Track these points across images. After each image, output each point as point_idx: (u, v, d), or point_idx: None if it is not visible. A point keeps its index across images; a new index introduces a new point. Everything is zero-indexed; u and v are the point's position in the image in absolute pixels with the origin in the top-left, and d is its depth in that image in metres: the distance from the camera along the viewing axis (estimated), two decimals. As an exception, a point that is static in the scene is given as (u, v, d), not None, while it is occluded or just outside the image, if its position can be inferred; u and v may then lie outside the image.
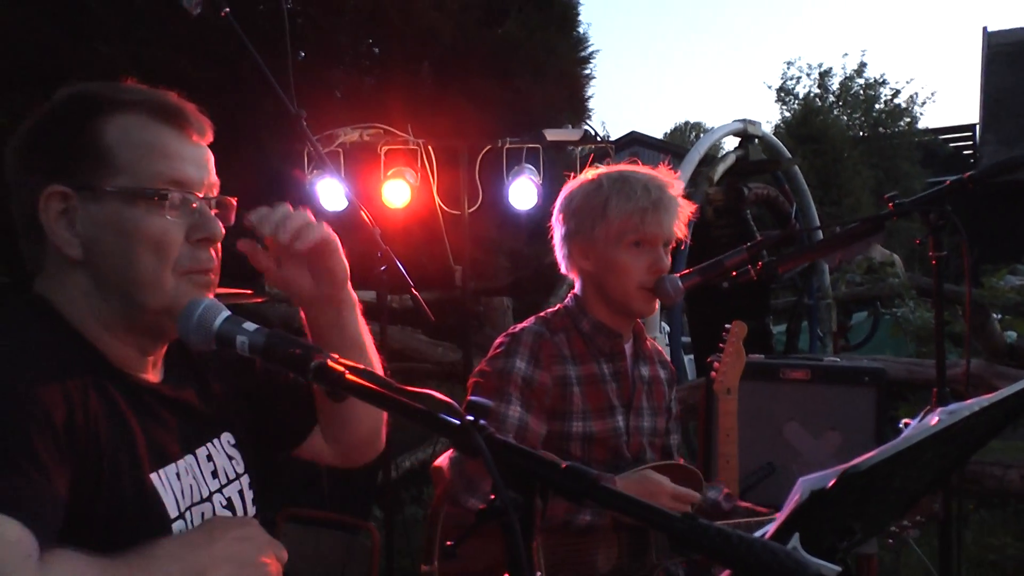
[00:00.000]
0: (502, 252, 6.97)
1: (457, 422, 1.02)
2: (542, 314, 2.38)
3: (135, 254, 1.28)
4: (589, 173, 2.36)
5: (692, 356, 8.20)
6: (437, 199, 4.50)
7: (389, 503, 4.20)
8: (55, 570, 1.06)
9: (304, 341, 1.21)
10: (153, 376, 1.38)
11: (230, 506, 1.42)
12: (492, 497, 0.93)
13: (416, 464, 6.19)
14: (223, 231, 1.36)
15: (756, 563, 0.80)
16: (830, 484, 1.03)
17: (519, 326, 2.33)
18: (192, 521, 1.32)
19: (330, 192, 4.22)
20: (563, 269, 2.42)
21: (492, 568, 1.84)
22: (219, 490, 1.41)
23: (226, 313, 1.25)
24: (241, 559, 1.25)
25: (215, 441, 1.44)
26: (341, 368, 1.16)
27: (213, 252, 1.36)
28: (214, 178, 1.38)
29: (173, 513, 1.28)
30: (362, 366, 1.18)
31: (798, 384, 3.69)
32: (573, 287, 2.43)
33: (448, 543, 1.01)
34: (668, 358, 2.68)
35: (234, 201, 1.42)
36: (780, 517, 1.09)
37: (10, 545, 1.03)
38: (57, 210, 1.28)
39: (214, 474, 1.41)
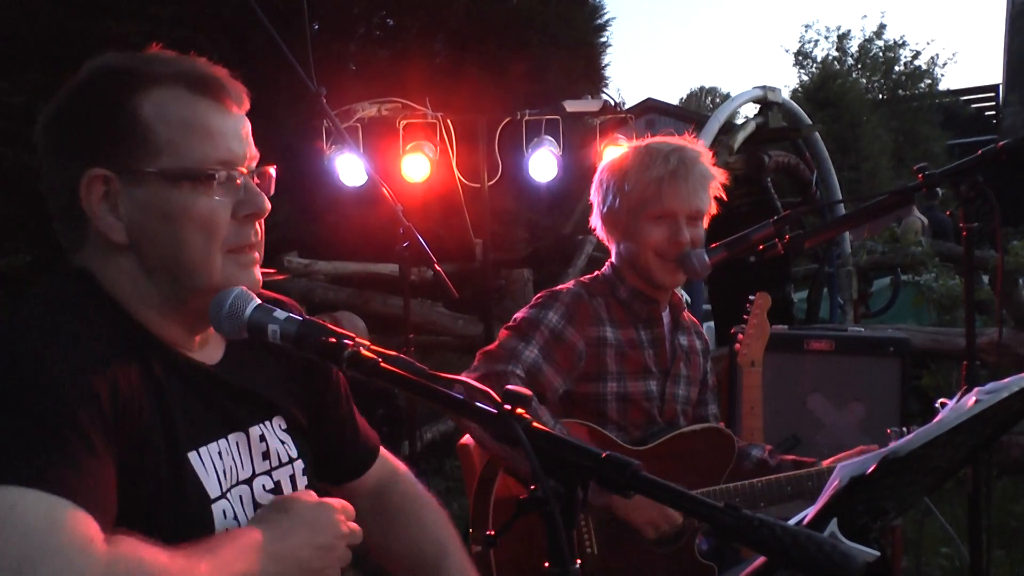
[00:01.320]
0: (520, 224, 6.95)
1: (495, 411, 1.02)
2: (583, 278, 2.40)
3: (183, 237, 1.24)
4: (624, 146, 2.38)
5: (711, 323, 8.18)
6: (456, 172, 4.48)
7: (415, 475, 4.22)
8: (122, 553, 1.04)
9: (337, 330, 1.19)
10: (203, 354, 1.35)
11: (276, 490, 1.39)
12: (533, 487, 0.92)
13: (438, 436, 6.23)
14: (269, 205, 1.32)
15: (802, 555, 0.80)
16: (870, 470, 1.02)
17: (560, 286, 2.35)
18: (234, 502, 1.30)
19: (349, 167, 4.21)
20: (603, 240, 2.45)
21: (533, 550, 1.85)
22: (267, 472, 1.38)
23: (256, 302, 1.24)
24: (317, 543, 1.26)
25: (267, 423, 1.41)
26: (375, 356, 1.15)
27: (257, 226, 1.33)
28: (254, 149, 1.33)
29: (214, 493, 1.26)
30: (394, 353, 1.17)
31: (822, 355, 3.68)
32: (594, 261, 2.44)
33: (490, 532, 1.00)
34: (702, 328, 2.70)
35: (273, 170, 1.37)
36: (819, 503, 1.09)
37: (72, 531, 1.01)
38: (99, 194, 1.23)
39: (265, 455, 1.39)
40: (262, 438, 1.38)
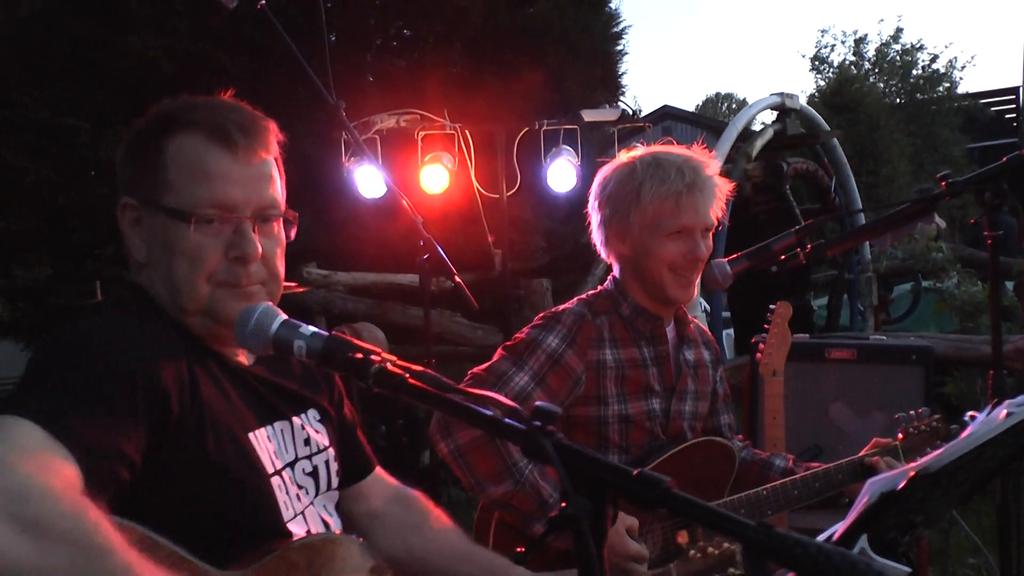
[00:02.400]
0: (539, 233, 6.95)
1: (523, 427, 1.01)
2: (584, 296, 2.35)
3: (173, 264, 1.39)
4: (623, 156, 2.31)
5: (730, 331, 8.15)
6: (475, 183, 4.49)
7: (434, 485, 4.23)
8: (90, 515, 1.04)
9: (363, 345, 1.20)
10: (244, 358, 1.49)
11: (314, 473, 1.52)
12: (564, 504, 0.92)
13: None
14: (259, 251, 1.41)
15: (836, 575, 0.79)
16: (900, 486, 1.01)
17: (562, 306, 2.30)
18: (284, 480, 1.42)
19: (368, 179, 4.23)
20: (602, 255, 2.38)
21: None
22: (308, 457, 1.51)
23: (282, 317, 1.26)
24: None
25: (305, 414, 1.56)
26: (402, 372, 1.15)
27: (256, 267, 1.43)
28: (268, 196, 1.44)
29: (270, 469, 1.39)
30: (421, 368, 1.17)
31: (844, 364, 3.65)
32: (611, 269, 2.40)
33: (520, 549, 1.00)
34: (712, 336, 2.66)
35: (292, 216, 1.50)
36: (849, 518, 1.08)
37: (60, 477, 1.06)
38: (131, 219, 1.43)
39: (306, 442, 1.53)
40: (303, 427, 1.53)
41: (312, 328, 1.25)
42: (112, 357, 1.24)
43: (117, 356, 1.24)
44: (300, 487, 1.47)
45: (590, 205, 2.36)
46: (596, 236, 2.36)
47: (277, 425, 1.47)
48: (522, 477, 2.03)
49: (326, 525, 1.51)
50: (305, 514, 1.46)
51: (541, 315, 2.29)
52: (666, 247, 2.21)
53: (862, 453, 2.35)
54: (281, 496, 1.40)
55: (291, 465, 1.47)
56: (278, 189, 1.47)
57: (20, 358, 7.34)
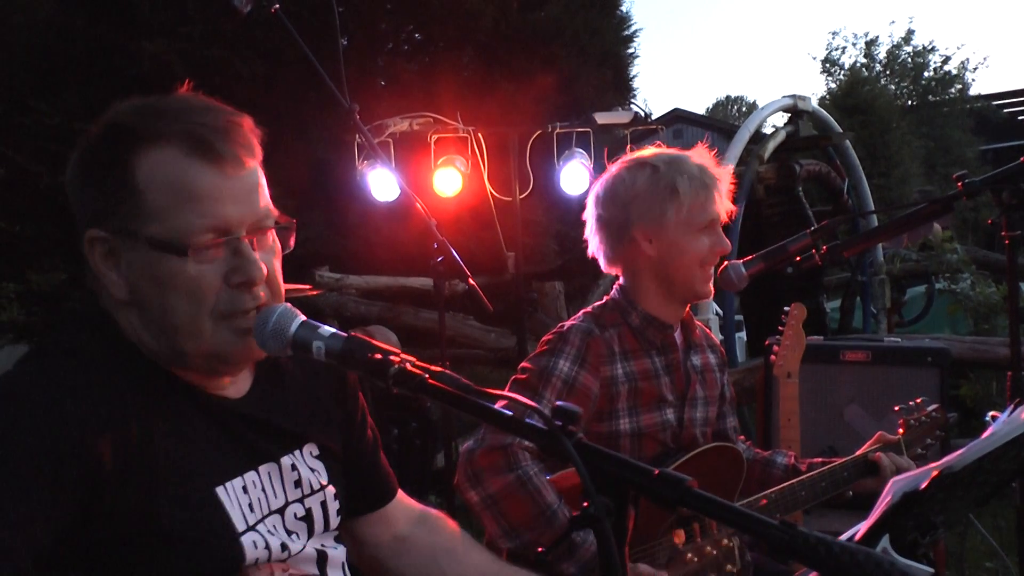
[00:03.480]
0: (551, 236, 6.96)
1: (544, 427, 1.01)
2: (590, 309, 2.31)
3: (171, 303, 1.23)
4: (631, 159, 2.28)
5: (742, 334, 8.12)
6: (488, 186, 4.50)
7: (448, 487, 4.22)
8: None
9: (382, 346, 1.19)
10: (232, 390, 1.36)
11: (307, 517, 1.40)
12: (585, 504, 0.92)
13: (470, 449, 6.22)
14: (264, 272, 1.27)
15: (860, 574, 0.79)
16: (923, 486, 1.01)
17: (567, 323, 2.27)
18: (266, 533, 1.30)
19: (382, 182, 4.24)
20: (603, 263, 2.33)
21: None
22: (299, 500, 1.39)
23: (301, 319, 1.24)
24: None
25: (298, 452, 1.42)
26: (421, 372, 1.15)
27: (259, 290, 1.28)
28: (261, 206, 1.28)
29: (241, 526, 1.26)
30: (439, 369, 1.17)
31: (859, 366, 3.64)
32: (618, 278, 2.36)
33: (540, 549, 1.00)
34: (716, 340, 2.64)
35: (291, 222, 1.34)
36: (871, 518, 1.07)
37: None
38: (102, 252, 1.25)
39: (297, 483, 1.39)
40: (293, 467, 1.39)
41: (331, 329, 1.23)
42: (25, 434, 1.10)
43: (32, 432, 1.11)
44: (290, 532, 1.36)
45: (596, 214, 2.30)
46: (602, 245, 2.30)
47: (263, 469, 1.33)
48: (555, 520, 1.97)
49: (323, 559, 1.40)
50: (289, 562, 1.34)
51: (548, 336, 2.26)
52: (700, 241, 2.20)
53: (864, 448, 2.34)
54: (253, 553, 1.26)
55: (280, 511, 1.35)
56: (267, 194, 1.30)
57: (35, 362, 7.38)
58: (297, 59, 2.95)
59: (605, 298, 2.35)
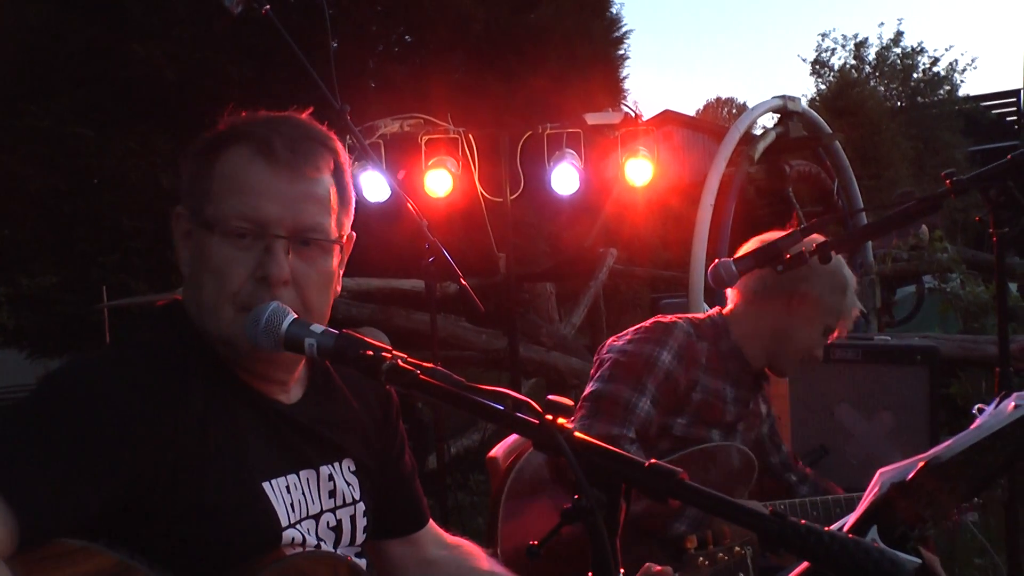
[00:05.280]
0: (542, 237, 6.96)
1: (536, 421, 1.02)
2: (691, 317, 2.42)
3: (203, 279, 1.33)
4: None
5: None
6: (479, 187, 4.51)
7: (439, 489, 4.23)
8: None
9: (375, 343, 1.21)
10: (284, 395, 1.42)
11: (338, 528, 1.44)
12: (576, 496, 0.93)
13: (463, 450, 6.23)
14: (286, 274, 1.32)
15: (851, 562, 0.79)
16: (910, 477, 1.02)
17: (666, 318, 2.37)
18: (304, 533, 1.35)
19: (373, 183, 4.25)
20: (732, 294, 2.44)
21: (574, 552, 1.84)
22: (332, 510, 1.43)
23: (292, 316, 1.27)
24: None
25: (337, 464, 1.47)
26: (413, 368, 1.16)
27: (285, 292, 1.32)
28: (311, 217, 1.34)
29: (284, 522, 1.31)
30: (431, 365, 1.18)
31: (849, 365, 3.65)
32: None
33: (533, 542, 1.01)
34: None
35: (333, 246, 1.40)
36: (858, 510, 1.08)
37: None
38: (182, 230, 1.38)
39: (331, 494, 1.44)
40: (330, 477, 1.44)
41: (322, 327, 1.26)
42: (89, 413, 1.17)
43: (96, 412, 1.17)
44: (320, 539, 1.40)
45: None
46: (760, 287, 2.39)
47: (303, 474, 1.39)
48: None
49: None
50: None
51: (650, 322, 2.36)
52: (817, 339, 2.38)
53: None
54: (290, 548, 1.32)
55: (316, 517, 1.40)
56: (328, 213, 1.37)
57: (24, 366, 7.35)
58: (288, 61, 2.95)
59: (704, 315, 2.45)
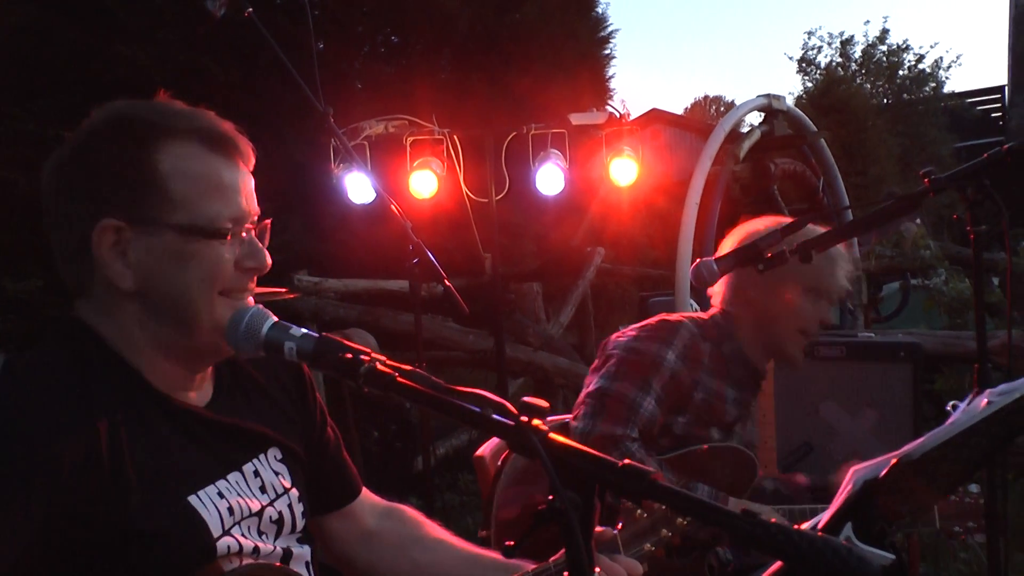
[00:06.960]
0: (528, 237, 6.98)
1: (511, 423, 1.03)
2: (694, 315, 2.43)
3: (188, 281, 1.32)
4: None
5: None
6: (464, 188, 4.51)
7: (427, 490, 4.23)
8: None
9: (353, 345, 1.21)
10: (198, 397, 1.41)
11: (280, 520, 1.44)
12: (551, 497, 0.93)
13: (451, 451, 6.23)
14: (269, 260, 1.39)
15: (819, 560, 0.80)
16: (883, 474, 1.03)
17: (674, 316, 2.38)
18: (240, 536, 1.33)
19: (358, 185, 4.25)
20: (724, 291, 2.44)
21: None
22: (271, 503, 1.43)
23: (272, 320, 1.27)
24: None
25: (261, 457, 1.46)
26: (391, 371, 1.16)
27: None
28: (256, 204, 1.41)
29: (217, 532, 1.30)
30: (410, 368, 1.19)
31: (833, 362, 3.69)
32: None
33: (508, 543, 1.02)
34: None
35: (268, 223, 1.45)
36: (832, 507, 1.09)
37: None
38: (110, 243, 1.29)
39: (262, 489, 1.43)
40: (256, 473, 1.43)
41: (303, 330, 1.25)
42: (15, 447, 1.14)
43: (20, 446, 1.14)
44: (261, 534, 1.40)
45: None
46: (737, 280, 2.40)
47: (232, 477, 1.38)
48: None
49: (288, 558, 1.44)
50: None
51: (655, 319, 2.36)
52: (812, 309, 2.37)
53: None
54: (225, 558, 1.31)
55: (258, 515, 1.39)
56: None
57: (9, 370, 7.30)
58: (272, 63, 2.95)
59: (708, 315, 2.44)
